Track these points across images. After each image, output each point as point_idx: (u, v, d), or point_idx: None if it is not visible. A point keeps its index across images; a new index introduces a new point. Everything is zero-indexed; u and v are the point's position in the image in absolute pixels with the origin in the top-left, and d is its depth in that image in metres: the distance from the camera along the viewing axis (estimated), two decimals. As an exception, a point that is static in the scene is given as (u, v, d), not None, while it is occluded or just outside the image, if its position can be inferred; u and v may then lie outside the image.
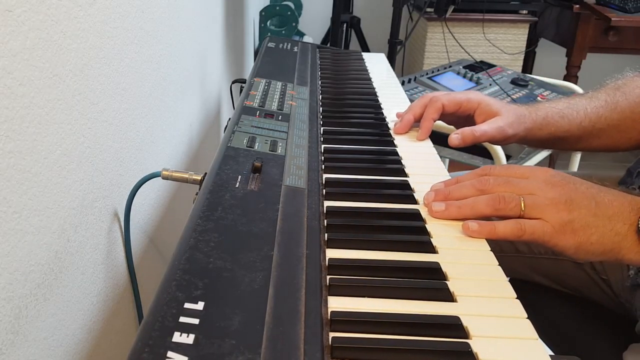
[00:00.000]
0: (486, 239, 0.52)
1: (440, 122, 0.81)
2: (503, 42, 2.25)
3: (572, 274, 0.77)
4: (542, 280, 0.81)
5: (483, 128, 0.72)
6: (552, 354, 0.46)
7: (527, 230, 0.51)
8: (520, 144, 0.81)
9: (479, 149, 1.38)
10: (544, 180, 0.54)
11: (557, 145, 0.82)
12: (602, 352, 0.67)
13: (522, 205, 0.52)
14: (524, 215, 0.52)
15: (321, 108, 0.82)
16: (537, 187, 0.53)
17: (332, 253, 0.47)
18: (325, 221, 0.52)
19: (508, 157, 1.41)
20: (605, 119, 0.77)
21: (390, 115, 0.82)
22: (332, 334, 0.38)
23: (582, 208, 0.51)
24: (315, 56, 1.09)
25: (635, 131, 0.77)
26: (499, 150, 1.30)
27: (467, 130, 0.72)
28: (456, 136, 0.71)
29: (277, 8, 2.01)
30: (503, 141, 0.75)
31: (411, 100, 0.89)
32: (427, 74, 1.55)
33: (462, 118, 0.79)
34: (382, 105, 0.86)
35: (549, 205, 0.51)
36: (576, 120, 0.76)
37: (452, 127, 0.91)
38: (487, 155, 1.39)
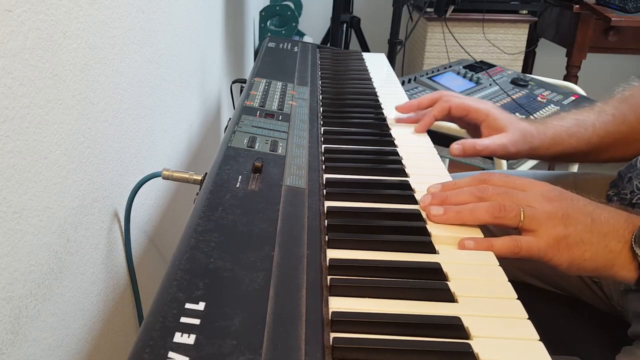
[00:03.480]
0: None
1: (441, 122, 0.82)
2: (503, 42, 2.25)
3: (564, 276, 0.77)
4: (533, 282, 0.80)
5: (485, 143, 0.73)
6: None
7: (523, 247, 0.51)
8: (524, 158, 0.82)
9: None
10: (541, 194, 0.54)
11: (565, 160, 0.82)
12: (594, 354, 0.67)
13: (522, 216, 0.52)
14: (522, 226, 0.52)
15: (321, 108, 0.82)
16: (534, 200, 0.53)
17: (332, 253, 0.47)
18: (326, 221, 0.51)
19: (508, 157, 1.41)
20: (613, 134, 0.77)
21: (391, 115, 0.82)
22: (333, 335, 0.38)
23: (579, 224, 0.52)
24: (315, 56, 1.09)
25: None
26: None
27: (469, 142, 0.73)
28: (457, 146, 0.72)
29: (277, 8, 2.00)
30: (504, 157, 0.75)
31: (411, 101, 0.89)
32: (427, 74, 1.55)
33: (471, 125, 0.79)
34: (382, 105, 0.86)
35: (545, 219, 0.52)
36: (584, 137, 0.77)
37: (452, 127, 0.91)
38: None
